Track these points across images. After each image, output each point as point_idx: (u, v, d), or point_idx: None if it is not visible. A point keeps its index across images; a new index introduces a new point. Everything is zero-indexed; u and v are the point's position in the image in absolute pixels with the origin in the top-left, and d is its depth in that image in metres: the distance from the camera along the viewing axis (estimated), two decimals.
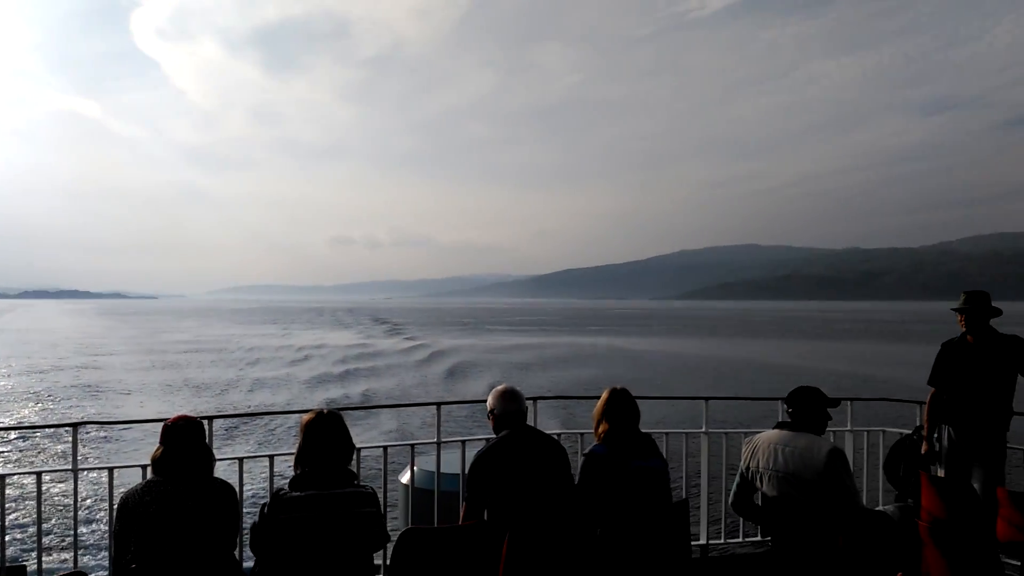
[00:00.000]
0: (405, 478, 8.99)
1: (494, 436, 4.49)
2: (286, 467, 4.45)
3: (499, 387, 4.61)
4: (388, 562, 4.32)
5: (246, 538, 3.85)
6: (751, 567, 6.21)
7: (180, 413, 3.88)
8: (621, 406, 4.45)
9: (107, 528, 6.44)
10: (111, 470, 5.12)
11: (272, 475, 5.30)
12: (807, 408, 4.58)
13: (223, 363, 49.18)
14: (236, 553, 3.73)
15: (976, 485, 5.49)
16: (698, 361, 50.70)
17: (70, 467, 5.07)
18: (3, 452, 19.70)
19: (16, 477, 5.42)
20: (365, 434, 20.65)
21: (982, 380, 5.71)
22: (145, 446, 18.50)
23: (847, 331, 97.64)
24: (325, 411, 3.75)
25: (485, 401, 4.63)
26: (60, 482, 11.95)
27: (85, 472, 5.14)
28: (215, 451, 4.01)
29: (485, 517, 4.23)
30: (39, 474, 5.04)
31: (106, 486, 5.31)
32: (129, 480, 4.58)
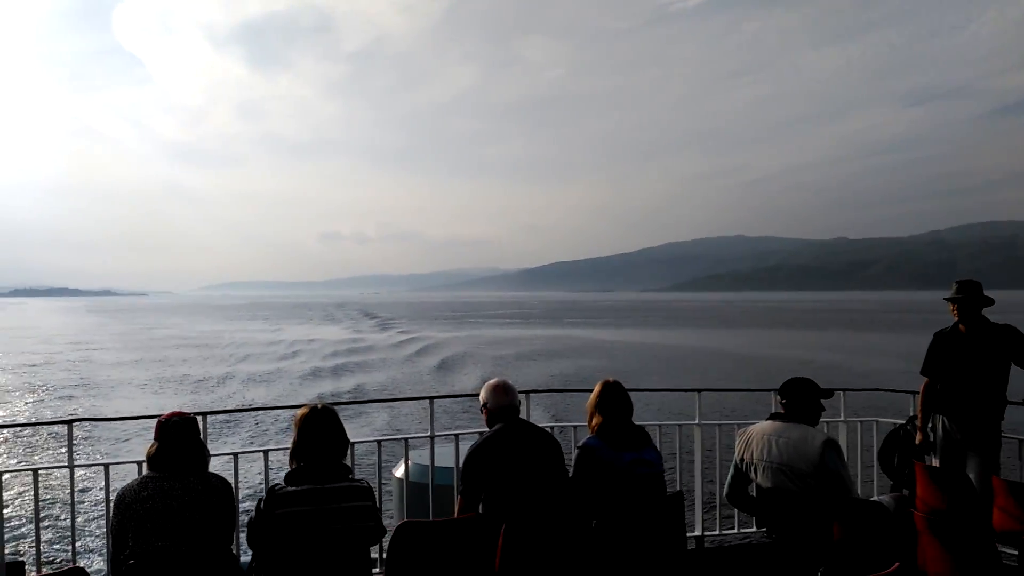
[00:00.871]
0: (399, 472, 8.98)
1: (488, 430, 4.48)
2: (280, 462, 4.45)
3: (492, 381, 4.60)
4: (384, 555, 4.30)
5: (242, 533, 3.83)
6: (746, 558, 6.24)
7: (174, 409, 3.86)
8: (614, 399, 4.45)
9: (104, 524, 6.42)
10: (107, 466, 5.09)
11: (267, 470, 5.29)
12: (800, 399, 4.60)
13: (213, 359, 49.07)
14: (233, 548, 3.72)
15: (971, 475, 5.50)
16: (689, 353, 50.83)
17: (66, 463, 5.04)
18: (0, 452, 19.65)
19: (13, 474, 5.37)
20: (358, 429, 20.65)
21: (975, 369, 5.72)
22: (140, 443, 18.48)
23: (837, 321, 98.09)
24: (319, 406, 3.73)
25: (478, 395, 4.62)
26: (56, 479, 11.91)
27: (81, 468, 5.10)
28: (209, 447, 3.99)
29: (480, 510, 4.22)
30: (36, 471, 5.02)
31: (102, 482, 5.29)
32: (125, 476, 4.56)
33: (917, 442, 5.98)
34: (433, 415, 5.86)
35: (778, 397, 4.76)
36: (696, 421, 6.85)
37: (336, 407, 3.80)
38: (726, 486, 4.89)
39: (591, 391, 4.59)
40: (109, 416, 21.78)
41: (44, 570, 4.98)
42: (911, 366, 6.65)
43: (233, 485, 3.90)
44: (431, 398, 6.03)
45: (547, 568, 3.88)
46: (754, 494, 4.78)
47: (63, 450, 18.82)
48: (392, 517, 7.10)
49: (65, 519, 11.76)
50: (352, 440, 4.12)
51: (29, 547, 10.61)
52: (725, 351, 51.66)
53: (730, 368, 40.58)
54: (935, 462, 5.89)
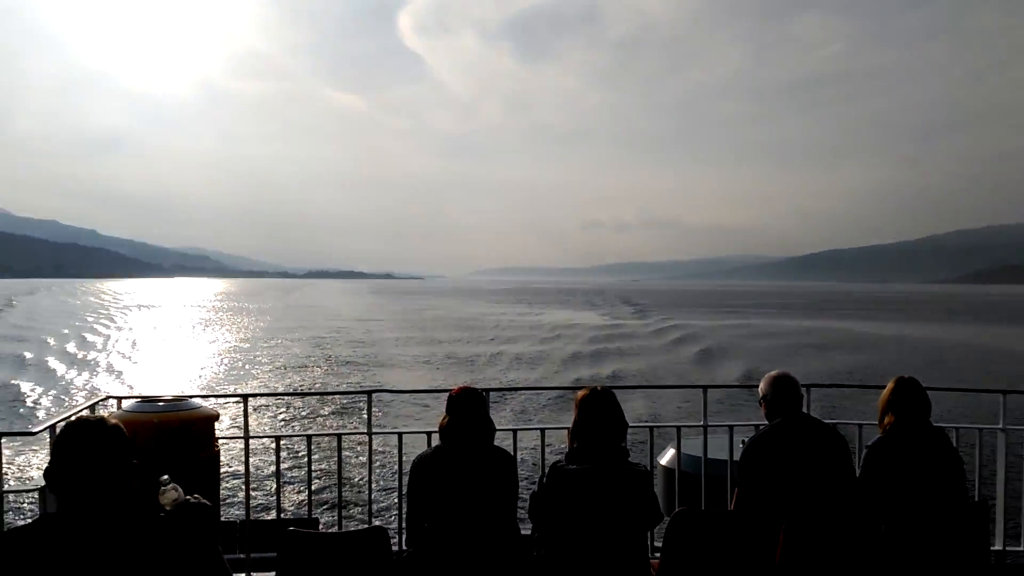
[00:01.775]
0: (663, 460, 8.96)
1: (765, 423, 4.35)
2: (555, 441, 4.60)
3: (772, 372, 4.45)
4: (659, 543, 4.31)
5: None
6: None
7: (462, 384, 4.12)
8: (909, 396, 4.12)
9: (395, 488, 7.05)
10: (400, 435, 5.56)
11: (544, 447, 5.49)
12: None
13: (482, 340, 51.79)
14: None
15: None
16: (990, 352, 45.23)
17: (365, 430, 5.57)
18: (307, 415, 22.26)
19: (318, 438, 6.05)
20: None
21: None
22: (421, 413, 20.05)
23: None
24: (599, 388, 3.81)
25: (751, 386, 4.49)
26: (356, 444, 13.21)
27: (378, 436, 5.60)
28: None
29: (757, 505, 4.10)
30: (339, 436, 5.60)
31: (395, 449, 5.80)
32: (415, 445, 4.97)
33: None
34: (706, 404, 5.75)
35: None
36: (1000, 425, 6.16)
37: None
38: None
39: (879, 388, 4.28)
40: (403, 388, 23.63)
41: (344, 527, 5.55)
42: None
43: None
44: (704, 387, 5.91)
45: (830, 570, 3.70)
46: None
47: (354, 417, 20.96)
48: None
49: (360, 481, 13.05)
50: None
51: (327, 507, 11.92)
52: None
53: None
54: None
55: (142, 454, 2.46)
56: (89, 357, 39.48)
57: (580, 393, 3.80)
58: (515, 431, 5.47)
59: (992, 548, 5.89)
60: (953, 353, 43.90)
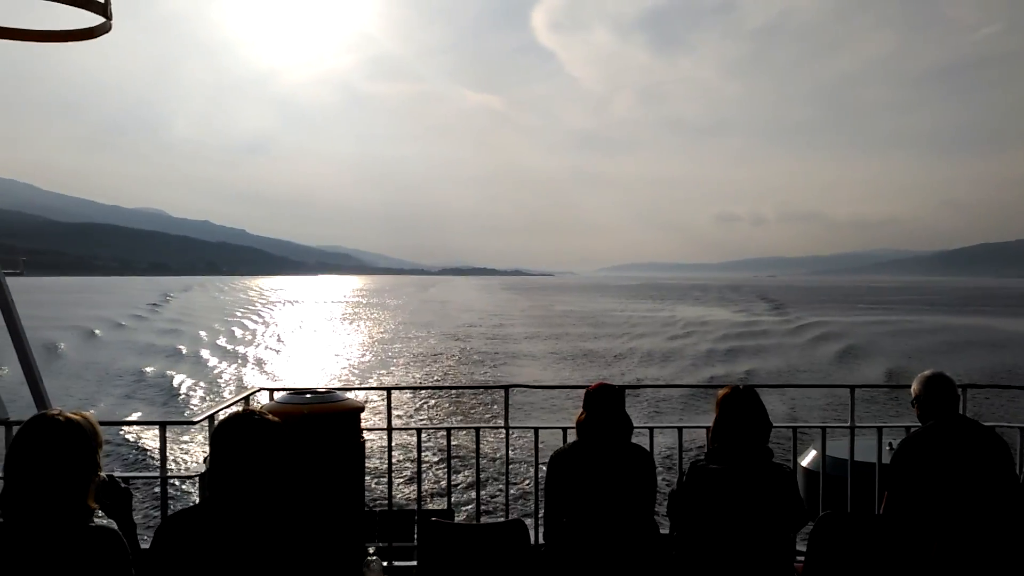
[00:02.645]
0: (804, 462, 8.67)
1: (918, 425, 4.14)
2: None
3: (926, 372, 4.23)
4: (806, 545, 4.19)
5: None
6: None
7: (598, 380, 4.13)
8: None
9: (530, 482, 7.16)
10: (536, 430, 5.63)
11: (681, 446, 5.43)
12: None
13: (611, 336, 51.55)
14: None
15: None
16: None
17: (503, 424, 5.68)
18: (447, 408, 23.11)
19: (456, 430, 6.21)
20: None
21: None
22: (558, 410, 20.21)
23: None
24: (741, 386, 3.74)
25: (901, 386, 4.28)
26: (493, 438, 13.52)
27: (516, 430, 5.68)
28: None
29: (909, 511, 3.92)
30: (478, 429, 5.73)
31: (528, 444, 5.88)
32: (550, 440, 5.02)
33: None
34: (854, 404, 5.50)
35: None
36: None
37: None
38: None
39: None
40: (539, 384, 24.01)
41: (483, 520, 5.67)
42: None
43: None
44: (852, 387, 5.65)
45: None
46: None
47: (486, 411, 21.35)
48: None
49: (496, 474, 13.32)
50: None
51: (464, 502, 12.25)
52: None
53: None
54: None
55: (292, 444, 2.59)
56: (240, 350, 41.97)
57: (722, 391, 3.72)
58: (651, 428, 5.43)
59: None
60: None
